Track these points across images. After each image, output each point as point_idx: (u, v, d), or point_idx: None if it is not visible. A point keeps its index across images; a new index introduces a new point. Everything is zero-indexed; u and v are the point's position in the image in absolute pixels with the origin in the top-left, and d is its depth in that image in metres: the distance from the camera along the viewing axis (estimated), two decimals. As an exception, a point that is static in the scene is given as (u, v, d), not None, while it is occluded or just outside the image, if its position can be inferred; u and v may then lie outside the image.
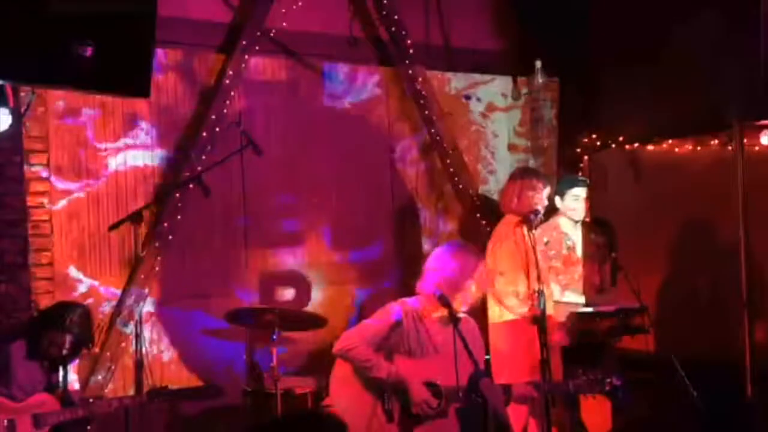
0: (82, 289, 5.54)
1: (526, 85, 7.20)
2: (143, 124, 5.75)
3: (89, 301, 5.48)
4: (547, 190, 5.49)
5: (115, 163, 5.69)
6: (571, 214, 5.77)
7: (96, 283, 5.60)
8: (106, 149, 5.66)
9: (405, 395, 4.23)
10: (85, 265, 5.56)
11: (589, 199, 5.80)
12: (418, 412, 4.22)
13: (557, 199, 5.81)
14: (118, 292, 5.64)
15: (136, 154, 5.74)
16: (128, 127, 5.72)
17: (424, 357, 4.35)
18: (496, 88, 7.14)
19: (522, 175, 5.60)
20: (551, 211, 5.82)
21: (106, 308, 5.61)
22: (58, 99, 5.47)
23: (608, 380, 4.41)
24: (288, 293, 6.06)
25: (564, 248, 5.74)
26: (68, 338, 4.62)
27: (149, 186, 5.77)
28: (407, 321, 4.40)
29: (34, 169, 5.35)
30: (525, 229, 5.17)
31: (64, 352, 4.61)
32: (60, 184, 5.50)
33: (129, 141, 5.73)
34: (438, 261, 4.49)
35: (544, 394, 4.56)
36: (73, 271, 5.53)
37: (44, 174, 5.39)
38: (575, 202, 5.76)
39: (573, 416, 5.54)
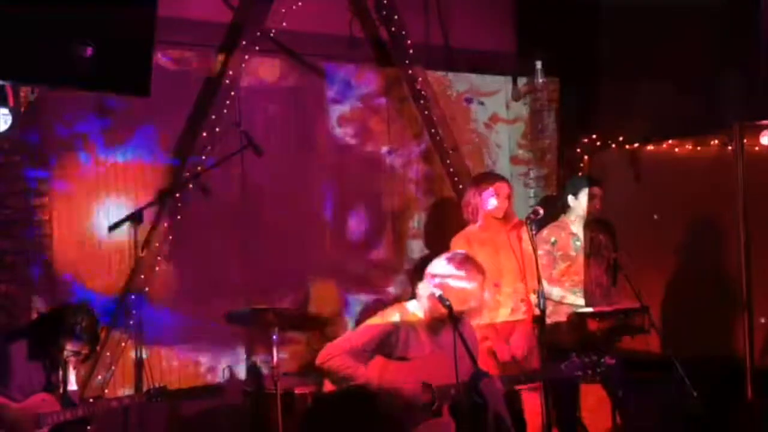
0: (81, 288, 5.53)
1: (526, 86, 7.19)
2: (142, 124, 5.75)
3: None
4: (503, 190, 5.54)
5: (114, 163, 5.68)
6: (583, 214, 5.77)
7: (96, 283, 5.59)
8: (105, 149, 5.66)
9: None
10: (85, 265, 5.56)
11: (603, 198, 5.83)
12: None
13: (570, 198, 5.80)
14: (118, 292, 5.63)
15: (136, 154, 5.74)
16: (128, 127, 5.71)
17: (421, 359, 4.34)
18: (499, 98, 7.13)
19: (474, 182, 5.72)
20: (560, 210, 5.83)
21: (106, 308, 5.60)
22: (58, 98, 5.46)
23: (602, 361, 4.40)
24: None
25: (572, 249, 5.74)
26: (78, 344, 4.57)
27: (149, 186, 5.76)
28: (404, 324, 4.38)
29: (34, 169, 5.34)
30: (524, 231, 5.18)
31: (72, 356, 4.59)
32: (60, 185, 5.49)
33: (128, 141, 5.72)
34: (440, 267, 4.43)
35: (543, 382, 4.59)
36: (73, 271, 5.52)
37: (44, 174, 5.39)
38: (589, 201, 5.75)
39: (573, 416, 5.53)
